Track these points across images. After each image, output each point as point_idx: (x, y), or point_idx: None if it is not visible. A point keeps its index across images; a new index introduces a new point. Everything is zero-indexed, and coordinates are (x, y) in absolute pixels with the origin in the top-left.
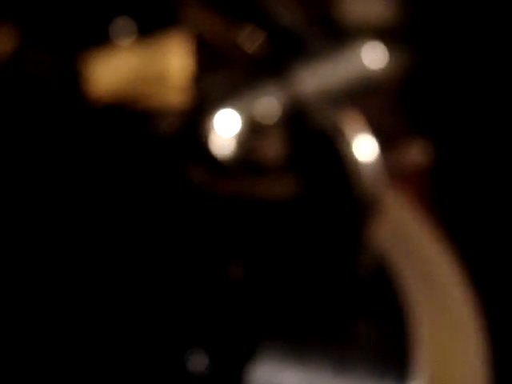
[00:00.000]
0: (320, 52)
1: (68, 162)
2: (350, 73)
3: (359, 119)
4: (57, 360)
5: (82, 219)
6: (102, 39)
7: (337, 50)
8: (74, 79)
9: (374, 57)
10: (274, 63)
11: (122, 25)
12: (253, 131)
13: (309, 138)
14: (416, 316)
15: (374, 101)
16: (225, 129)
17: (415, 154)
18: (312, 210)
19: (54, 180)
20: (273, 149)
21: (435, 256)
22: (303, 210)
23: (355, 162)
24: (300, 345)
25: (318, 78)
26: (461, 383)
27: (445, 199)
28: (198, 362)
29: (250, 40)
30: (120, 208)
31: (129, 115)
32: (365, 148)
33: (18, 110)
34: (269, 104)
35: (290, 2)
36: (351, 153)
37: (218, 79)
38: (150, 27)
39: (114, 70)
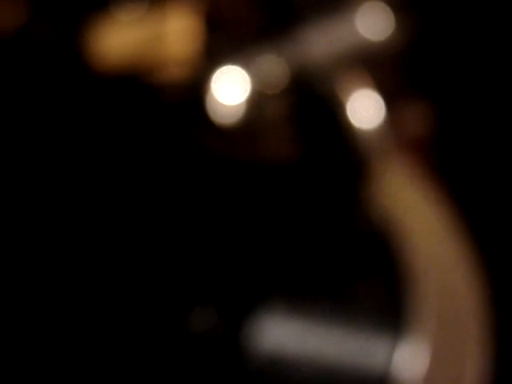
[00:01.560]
0: (321, 17)
1: (74, 132)
2: (351, 37)
3: (363, 81)
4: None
5: (89, 188)
6: (107, 12)
7: (338, 15)
8: (79, 51)
9: (375, 20)
10: (277, 29)
11: None
12: (255, 97)
13: (310, 102)
14: (416, 275)
15: (375, 66)
16: (227, 93)
17: (418, 119)
18: (312, 174)
19: (60, 150)
20: (275, 113)
21: (436, 218)
22: (304, 174)
23: (354, 126)
24: (303, 300)
25: (320, 42)
26: (458, 341)
27: (448, 164)
28: (203, 319)
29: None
30: (126, 176)
31: (134, 85)
32: (367, 111)
33: (25, 81)
34: (271, 70)
35: None
36: (352, 119)
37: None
38: None
39: (119, 42)
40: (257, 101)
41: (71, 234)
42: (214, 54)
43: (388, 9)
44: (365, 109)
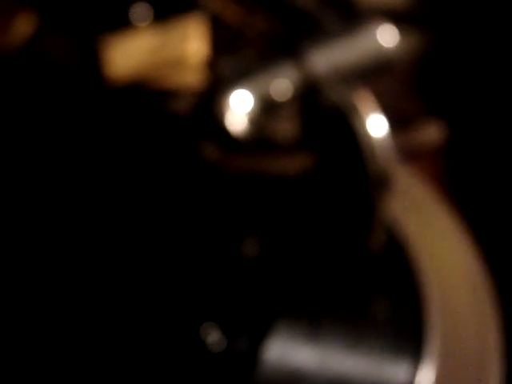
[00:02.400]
0: (334, 32)
1: (86, 142)
2: (363, 53)
3: (371, 98)
4: (62, 343)
5: (101, 195)
6: (120, 23)
7: (351, 31)
8: (92, 61)
9: (387, 38)
10: (288, 43)
11: (140, 8)
12: (267, 109)
13: (322, 115)
14: (429, 293)
15: (387, 81)
16: (239, 107)
17: (429, 133)
18: (324, 187)
19: (72, 159)
20: (287, 126)
21: (448, 231)
22: (316, 186)
23: (368, 139)
24: (314, 322)
25: (332, 57)
26: (474, 361)
27: (458, 178)
28: (213, 338)
29: (265, 21)
30: (136, 185)
31: (146, 95)
32: (377, 126)
33: (37, 92)
34: (283, 83)
35: None
36: (364, 130)
37: (234, 59)
38: (168, 11)
39: (132, 53)
40: (265, 113)
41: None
42: (224, 69)
43: (399, 29)
44: (374, 122)
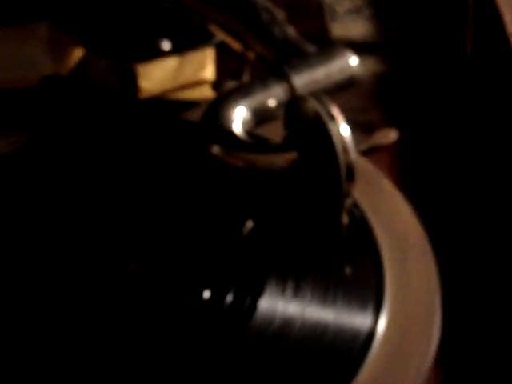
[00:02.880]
0: (312, 58)
1: (121, 139)
2: (334, 74)
3: (339, 109)
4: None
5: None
6: (151, 52)
7: (325, 57)
8: (129, 81)
9: (352, 62)
10: (278, 66)
11: (166, 41)
12: (260, 118)
13: (304, 121)
14: (385, 258)
15: (357, 97)
16: (239, 116)
17: (386, 136)
18: (306, 177)
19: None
20: (276, 130)
21: (398, 208)
22: (299, 177)
23: (339, 140)
24: (297, 282)
25: (311, 77)
26: (421, 313)
27: (406, 169)
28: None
29: (261, 49)
30: (159, 174)
31: (169, 106)
32: (345, 129)
33: (86, 103)
34: (273, 97)
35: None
36: (336, 132)
37: (235, 80)
38: (187, 43)
39: (159, 75)
40: (261, 121)
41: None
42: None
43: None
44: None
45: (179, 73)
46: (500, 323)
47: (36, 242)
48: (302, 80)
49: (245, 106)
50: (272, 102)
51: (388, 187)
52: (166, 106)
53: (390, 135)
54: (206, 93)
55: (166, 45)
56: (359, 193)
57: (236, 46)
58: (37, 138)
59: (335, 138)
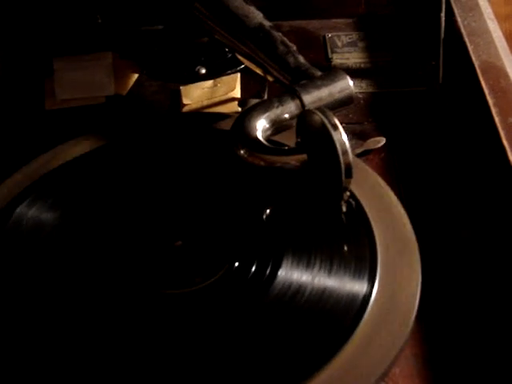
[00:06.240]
0: (318, 80)
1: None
2: (336, 93)
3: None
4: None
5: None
6: (192, 77)
7: (328, 79)
8: (176, 99)
9: (350, 84)
10: (291, 87)
11: (203, 68)
12: (277, 127)
13: (312, 129)
14: (377, 238)
15: (351, 111)
16: (261, 126)
17: (377, 142)
18: (313, 175)
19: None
20: (290, 137)
21: (387, 199)
22: (308, 174)
23: (340, 144)
24: (308, 257)
25: (317, 95)
26: (404, 283)
27: (394, 169)
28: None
29: (278, 74)
30: (199, 171)
31: (206, 118)
32: (345, 136)
33: (141, 116)
34: (287, 111)
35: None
36: (339, 138)
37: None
38: (222, 69)
39: (198, 94)
40: (278, 130)
41: None
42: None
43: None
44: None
45: (214, 93)
46: (477, 279)
47: (112, 222)
48: (310, 98)
49: (265, 119)
50: (286, 115)
51: (378, 182)
52: (204, 118)
53: (380, 141)
54: (235, 108)
55: (204, 70)
56: (355, 186)
57: (258, 71)
58: (105, 144)
59: (337, 143)
